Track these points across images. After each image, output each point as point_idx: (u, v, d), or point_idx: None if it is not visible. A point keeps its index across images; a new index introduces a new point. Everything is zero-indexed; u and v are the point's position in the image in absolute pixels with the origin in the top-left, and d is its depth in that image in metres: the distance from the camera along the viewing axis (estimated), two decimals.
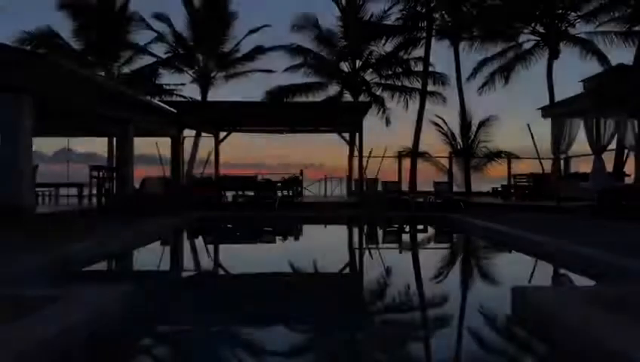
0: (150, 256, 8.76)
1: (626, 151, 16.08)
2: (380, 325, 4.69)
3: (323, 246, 10.49)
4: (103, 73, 23.54)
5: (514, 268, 7.57)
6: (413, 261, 8.98)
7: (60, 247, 6.66)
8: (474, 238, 10.86)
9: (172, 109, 16.26)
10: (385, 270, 7.58)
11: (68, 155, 20.49)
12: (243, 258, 8.82)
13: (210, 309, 4.90)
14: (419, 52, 23.45)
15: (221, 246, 10.64)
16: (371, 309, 5.28)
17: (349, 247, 10.61)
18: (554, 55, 21.30)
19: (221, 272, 7.85)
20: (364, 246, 10.86)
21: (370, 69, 24.56)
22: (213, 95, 25.71)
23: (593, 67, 21.24)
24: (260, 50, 25.58)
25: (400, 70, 24.25)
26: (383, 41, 23.68)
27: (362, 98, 23.84)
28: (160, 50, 25.27)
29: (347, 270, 7.85)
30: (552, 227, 9.55)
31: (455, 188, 18.46)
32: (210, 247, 10.51)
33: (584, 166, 15.37)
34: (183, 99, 24.42)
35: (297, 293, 5.79)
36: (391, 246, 11.09)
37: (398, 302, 5.50)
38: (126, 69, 24.67)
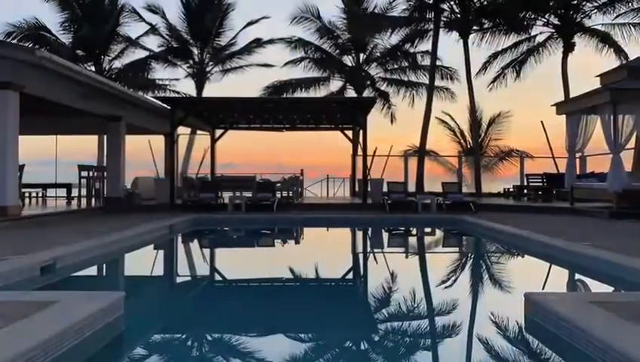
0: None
1: None
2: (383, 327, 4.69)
3: (324, 250, 10.44)
4: (92, 67, 23.50)
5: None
6: (420, 266, 8.92)
7: None
8: (486, 241, 10.81)
9: (165, 105, 16.20)
10: (390, 276, 7.53)
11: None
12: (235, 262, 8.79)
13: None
14: (426, 45, 23.37)
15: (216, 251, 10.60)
16: (371, 313, 5.26)
17: (353, 252, 10.56)
18: (569, 48, 21.19)
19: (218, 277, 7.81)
20: (369, 250, 10.81)
21: (375, 63, 24.49)
22: (209, 91, 25.69)
23: (610, 61, 21.17)
24: (258, 43, 25.52)
25: (406, 64, 24.17)
26: (388, 34, 23.59)
27: (366, 93, 23.77)
28: (153, 43, 25.26)
29: (350, 276, 7.80)
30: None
31: (465, 189, 18.37)
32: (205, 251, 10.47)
33: (600, 165, 15.28)
34: (177, 95, 24.36)
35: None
36: (397, 250, 11.03)
37: (405, 308, 5.46)
38: (117, 63, 24.66)
